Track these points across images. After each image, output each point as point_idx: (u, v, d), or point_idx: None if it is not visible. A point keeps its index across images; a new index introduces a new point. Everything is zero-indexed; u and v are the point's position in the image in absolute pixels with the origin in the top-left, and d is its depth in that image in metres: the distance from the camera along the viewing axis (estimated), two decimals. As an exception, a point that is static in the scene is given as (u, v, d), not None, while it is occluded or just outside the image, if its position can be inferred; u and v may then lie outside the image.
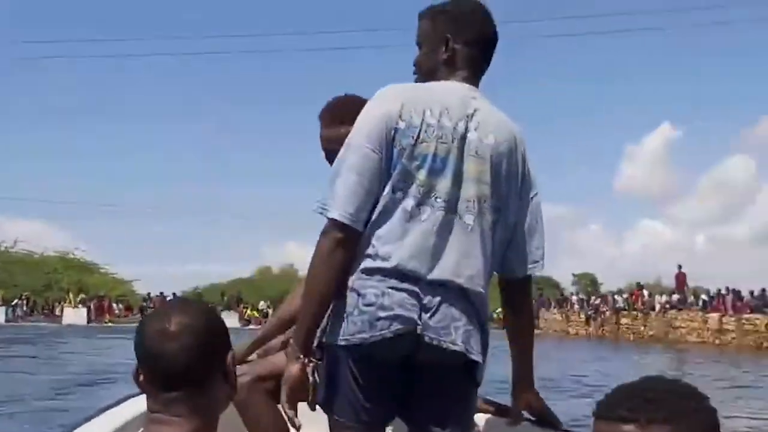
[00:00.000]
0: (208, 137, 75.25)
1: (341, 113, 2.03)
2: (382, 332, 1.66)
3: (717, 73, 70.90)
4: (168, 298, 31.80)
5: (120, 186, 69.87)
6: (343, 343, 1.69)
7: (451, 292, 1.72)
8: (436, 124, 1.72)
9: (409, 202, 1.70)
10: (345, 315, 1.70)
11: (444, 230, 1.72)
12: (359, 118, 1.75)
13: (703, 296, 29.25)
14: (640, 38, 75.06)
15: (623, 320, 33.33)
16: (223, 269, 79.48)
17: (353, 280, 1.71)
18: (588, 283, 57.67)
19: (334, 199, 1.69)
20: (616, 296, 34.65)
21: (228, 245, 73.70)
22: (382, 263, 1.69)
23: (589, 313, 35.43)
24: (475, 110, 1.77)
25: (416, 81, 1.89)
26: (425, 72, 1.88)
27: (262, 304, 39.61)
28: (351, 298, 1.70)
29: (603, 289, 50.13)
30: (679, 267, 31.26)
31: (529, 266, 1.90)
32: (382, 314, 1.66)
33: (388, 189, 1.70)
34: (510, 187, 1.81)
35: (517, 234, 1.86)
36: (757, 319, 25.27)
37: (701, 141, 74.94)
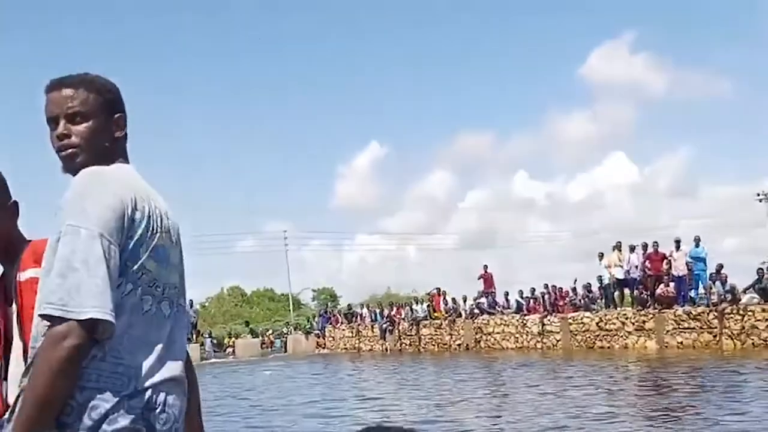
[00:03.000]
0: None
1: None
2: None
3: (413, 92, 73.66)
4: None
5: None
6: None
7: (175, 386, 1.71)
8: (159, 213, 1.73)
9: (139, 295, 1.66)
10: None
11: (170, 321, 1.73)
12: (88, 202, 1.60)
13: (517, 298, 26.48)
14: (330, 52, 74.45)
15: (424, 330, 29.77)
16: None
17: (83, 390, 1.58)
18: (328, 297, 55.61)
19: (80, 296, 1.53)
20: (414, 306, 30.96)
21: None
22: (118, 363, 1.61)
23: (384, 325, 31.45)
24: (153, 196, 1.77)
25: (78, 158, 1.75)
26: (100, 150, 1.76)
27: None
28: (83, 412, 1.57)
29: (342, 302, 48.12)
30: (485, 267, 28.36)
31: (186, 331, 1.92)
32: (111, 428, 1.58)
33: (123, 282, 1.63)
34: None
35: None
36: (586, 317, 22.79)
37: (406, 157, 77.46)
